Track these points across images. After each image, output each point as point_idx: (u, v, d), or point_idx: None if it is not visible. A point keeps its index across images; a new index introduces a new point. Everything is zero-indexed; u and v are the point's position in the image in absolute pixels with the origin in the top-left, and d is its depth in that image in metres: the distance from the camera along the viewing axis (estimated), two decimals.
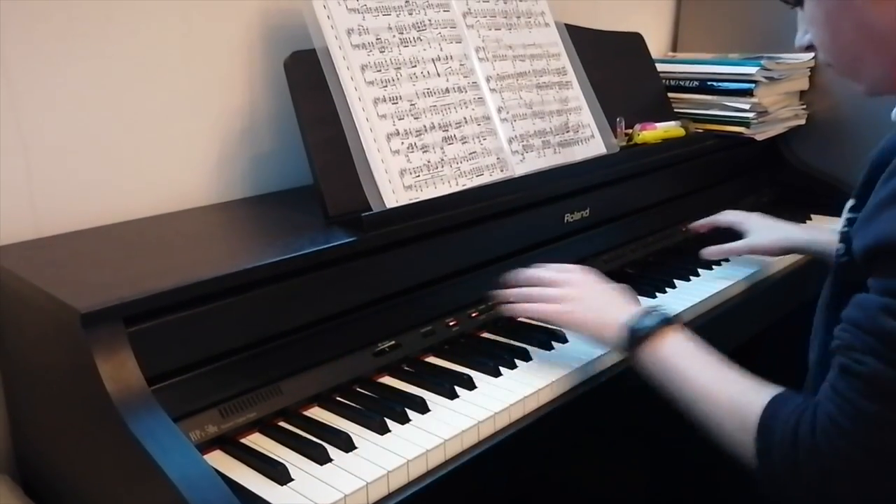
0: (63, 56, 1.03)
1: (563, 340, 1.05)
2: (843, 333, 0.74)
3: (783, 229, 1.29)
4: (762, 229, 1.29)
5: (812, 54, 1.69)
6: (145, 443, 0.70)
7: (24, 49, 0.99)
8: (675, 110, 1.62)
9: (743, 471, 0.80)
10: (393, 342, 0.99)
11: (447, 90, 1.13)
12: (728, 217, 1.36)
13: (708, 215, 1.43)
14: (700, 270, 1.31)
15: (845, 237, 0.83)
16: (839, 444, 0.70)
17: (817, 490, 0.73)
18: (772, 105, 1.62)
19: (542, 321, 1.04)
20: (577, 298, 0.98)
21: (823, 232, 1.28)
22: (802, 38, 0.89)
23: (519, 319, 1.12)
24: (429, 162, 1.08)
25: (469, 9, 1.21)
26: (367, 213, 0.98)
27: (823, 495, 0.73)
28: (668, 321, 0.90)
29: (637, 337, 0.89)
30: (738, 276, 1.29)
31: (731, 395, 0.80)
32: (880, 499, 0.72)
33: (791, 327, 1.38)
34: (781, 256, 1.33)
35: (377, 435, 0.84)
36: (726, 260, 1.35)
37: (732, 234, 1.33)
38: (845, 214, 0.85)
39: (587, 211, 1.26)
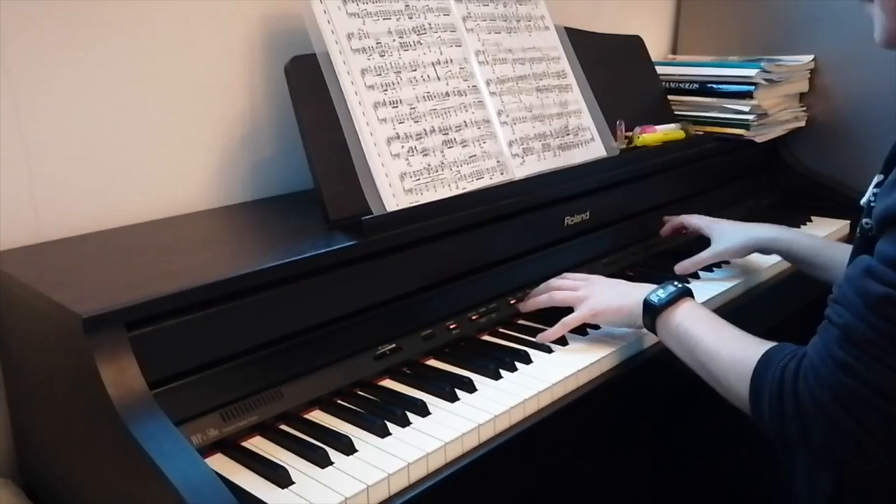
0: (65, 62, 1.03)
1: (564, 343, 1.06)
2: (836, 288, 0.80)
3: (746, 230, 1.30)
4: (725, 234, 1.30)
5: (811, 57, 1.70)
6: (147, 447, 0.70)
7: (26, 55, 1.00)
8: (675, 113, 1.62)
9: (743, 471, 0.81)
10: (393, 345, 0.99)
11: (447, 94, 1.14)
12: (695, 222, 1.36)
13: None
14: (700, 273, 1.31)
15: (870, 211, 0.85)
16: (813, 387, 0.76)
17: (799, 432, 0.77)
18: (772, 107, 1.63)
19: (577, 324, 1.07)
20: (596, 287, 1.08)
21: (786, 230, 1.30)
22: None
23: (519, 322, 1.13)
24: (429, 165, 1.08)
25: (469, 13, 1.21)
26: (367, 217, 0.98)
27: (804, 437, 0.77)
28: (681, 293, 0.97)
29: (654, 308, 0.97)
30: (738, 279, 1.30)
31: (731, 350, 0.87)
32: (850, 442, 0.76)
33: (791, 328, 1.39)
34: (776, 259, 1.33)
35: (378, 438, 0.84)
36: (727, 262, 1.35)
37: (707, 241, 1.33)
38: (871, 189, 0.88)
39: (587, 214, 1.27)
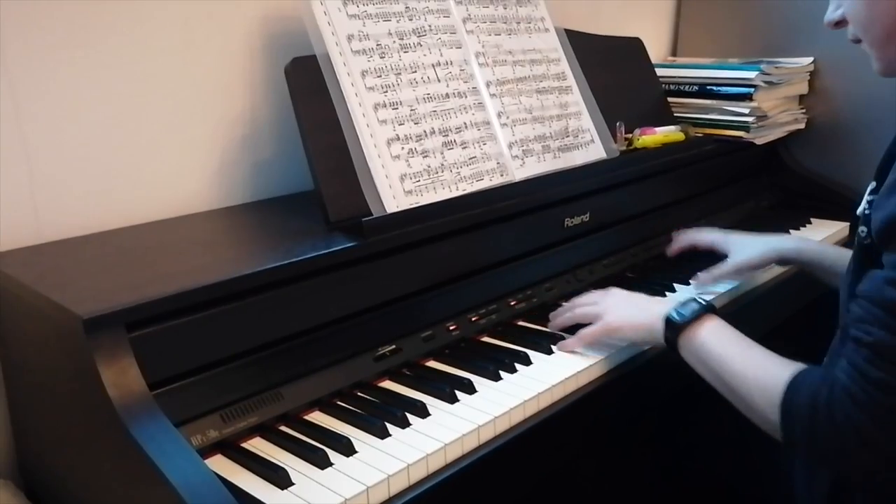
0: (66, 64, 1.03)
1: None
2: (855, 307, 0.78)
3: (767, 241, 1.27)
4: (745, 246, 1.27)
5: (811, 59, 1.70)
6: (147, 448, 0.70)
7: (27, 57, 1.00)
8: (675, 115, 1.62)
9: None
10: (393, 347, 0.99)
11: (447, 95, 1.14)
12: (707, 238, 1.34)
13: (708, 218, 1.43)
14: (700, 274, 1.31)
15: (866, 219, 0.85)
16: (851, 412, 0.74)
17: (835, 458, 0.77)
18: (771, 109, 1.63)
19: (596, 339, 1.04)
20: (615, 301, 1.06)
21: (810, 241, 1.27)
22: (833, 13, 0.90)
23: (518, 324, 1.13)
24: (429, 167, 1.08)
25: (469, 14, 1.21)
26: (367, 219, 0.98)
27: (840, 463, 0.77)
28: (704, 310, 0.95)
29: (676, 325, 0.94)
30: (739, 280, 1.29)
31: (758, 373, 0.85)
32: (884, 459, 0.75)
33: (793, 328, 1.39)
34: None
35: (378, 439, 0.84)
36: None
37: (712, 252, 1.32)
38: (866, 197, 0.88)
39: (587, 215, 1.27)
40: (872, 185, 0.88)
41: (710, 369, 0.91)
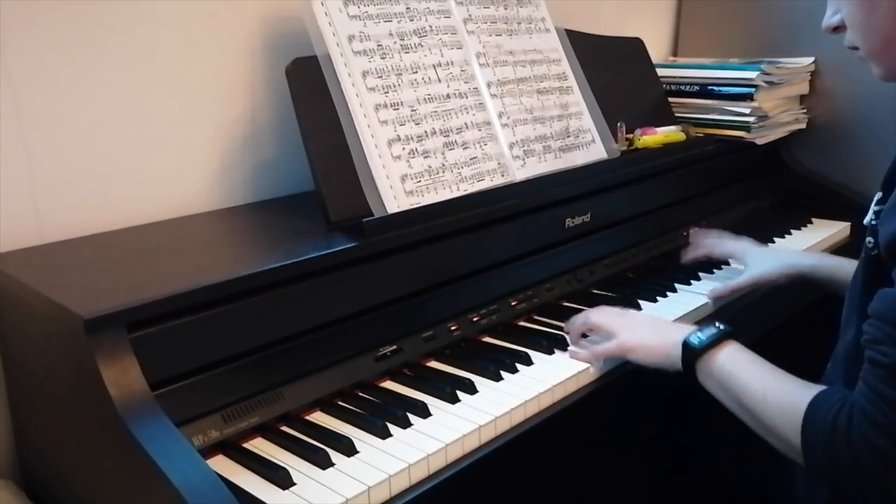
0: (66, 65, 1.04)
1: (564, 345, 1.06)
2: (868, 327, 0.78)
3: (783, 257, 1.26)
4: (761, 259, 1.26)
5: (812, 59, 1.70)
6: (148, 448, 0.70)
7: (27, 58, 1.00)
8: (676, 115, 1.62)
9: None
10: (394, 347, 0.99)
11: (448, 96, 1.14)
12: (723, 249, 1.33)
13: (708, 220, 1.43)
14: (701, 275, 1.31)
15: (874, 230, 0.84)
16: (869, 435, 0.74)
17: (857, 480, 0.76)
18: (772, 109, 1.63)
19: (610, 357, 1.03)
20: (634, 324, 1.03)
21: (826, 256, 1.25)
22: (831, 18, 0.90)
23: (519, 324, 1.13)
24: (430, 167, 1.08)
25: (470, 15, 1.21)
26: (368, 219, 0.98)
27: (862, 485, 0.76)
28: (723, 335, 0.93)
29: (694, 350, 0.92)
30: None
31: (778, 396, 0.84)
32: None
33: (796, 330, 1.39)
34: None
35: (379, 439, 0.84)
36: (726, 263, 1.35)
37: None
38: (873, 207, 0.87)
39: (588, 216, 1.27)
40: (879, 195, 0.87)
41: (729, 394, 0.89)
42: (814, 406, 0.80)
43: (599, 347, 1.02)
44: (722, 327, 0.94)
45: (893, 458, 0.73)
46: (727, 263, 1.34)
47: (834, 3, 0.89)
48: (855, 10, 0.85)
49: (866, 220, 0.88)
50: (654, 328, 1.02)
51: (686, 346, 0.93)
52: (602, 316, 1.05)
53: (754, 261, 1.26)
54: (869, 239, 0.85)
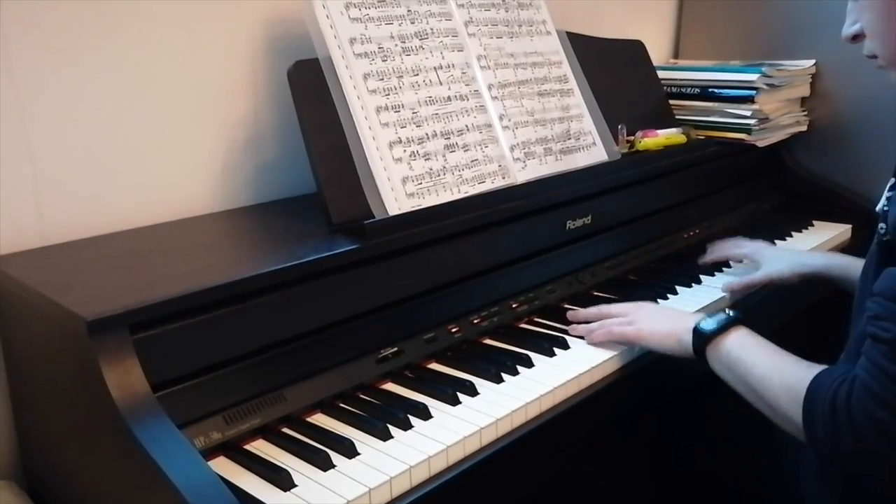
0: (70, 67, 1.04)
1: (565, 347, 1.06)
2: (872, 304, 0.79)
3: (797, 257, 1.29)
4: (775, 258, 1.29)
5: (813, 62, 1.70)
6: (150, 449, 0.70)
7: (31, 60, 1.01)
8: (677, 117, 1.62)
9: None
10: (396, 349, 1.00)
11: (449, 98, 1.14)
12: (739, 251, 1.36)
13: (708, 222, 1.43)
14: (702, 277, 1.31)
15: (885, 216, 0.85)
16: (870, 407, 0.75)
17: (856, 454, 0.78)
18: (773, 112, 1.63)
19: (620, 342, 1.06)
20: (644, 317, 1.07)
21: (837, 256, 1.27)
22: (850, 27, 0.91)
23: (520, 326, 1.13)
24: (431, 169, 1.09)
25: (471, 17, 1.22)
26: (369, 221, 0.98)
27: (861, 459, 0.78)
28: (732, 321, 0.97)
29: (705, 335, 0.96)
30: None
31: (783, 375, 0.87)
32: None
33: (798, 328, 1.39)
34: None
35: (380, 441, 0.84)
36: (727, 265, 1.36)
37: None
38: (886, 194, 0.88)
39: (589, 218, 1.27)
40: (892, 181, 0.88)
41: (737, 376, 0.92)
42: (816, 382, 0.82)
43: (617, 327, 1.05)
44: (732, 313, 0.98)
45: (894, 431, 0.74)
46: (739, 262, 1.35)
47: (853, 12, 0.90)
48: (875, 20, 0.86)
49: (878, 207, 0.89)
50: (667, 316, 1.07)
51: (696, 331, 0.97)
52: (618, 306, 1.09)
53: (768, 260, 1.29)
54: (881, 225, 0.86)
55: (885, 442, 0.75)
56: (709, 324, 0.97)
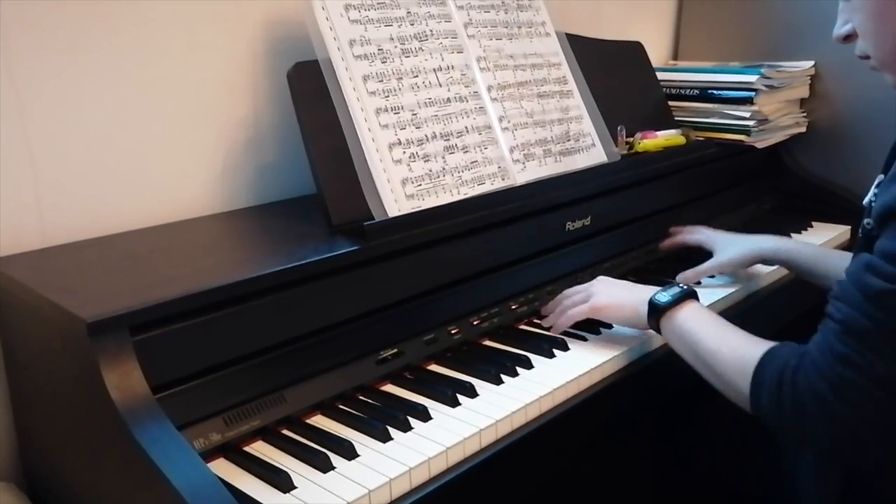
0: (70, 68, 1.04)
1: (565, 348, 1.06)
2: (836, 285, 0.82)
3: (748, 241, 1.31)
4: (727, 245, 1.31)
5: (812, 63, 1.70)
6: (150, 451, 0.70)
7: (31, 60, 1.01)
8: (676, 119, 1.62)
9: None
10: (395, 350, 1.00)
11: (448, 100, 1.14)
12: (694, 237, 1.38)
13: (707, 223, 1.43)
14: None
15: (871, 209, 0.86)
16: (813, 380, 0.78)
17: (795, 422, 0.80)
18: (772, 113, 1.63)
19: (583, 317, 1.09)
20: (602, 290, 1.10)
21: (787, 240, 1.32)
22: (841, 28, 0.91)
23: (520, 327, 1.13)
24: (430, 171, 1.09)
25: (470, 19, 1.22)
26: (369, 223, 0.98)
27: (802, 430, 0.80)
28: (686, 295, 1.01)
29: (659, 308, 1.00)
30: (739, 284, 1.30)
31: (733, 348, 0.89)
32: (848, 432, 0.78)
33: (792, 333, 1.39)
34: (771, 267, 1.34)
35: (379, 443, 0.85)
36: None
37: (706, 252, 1.34)
38: (873, 189, 0.89)
39: (588, 219, 1.27)
40: (880, 177, 0.89)
41: (688, 348, 0.96)
42: (770, 354, 0.84)
43: (573, 309, 1.08)
44: (685, 287, 1.02)
45: (831, 405, 0.77)
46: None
47: (845, 12, 0.90)
48: (867, 20, 0.86)
49: (866, 200, 0.90)
50: (624, 288, 1.10)
51: (651, 303, 1.01)
52: (573, 298, 1.12)
53: (721, 246, 1.32)
54: (867, 220, 0.87)
55: (823, 416, 0.78)
56: (664, 296, 1.00)
